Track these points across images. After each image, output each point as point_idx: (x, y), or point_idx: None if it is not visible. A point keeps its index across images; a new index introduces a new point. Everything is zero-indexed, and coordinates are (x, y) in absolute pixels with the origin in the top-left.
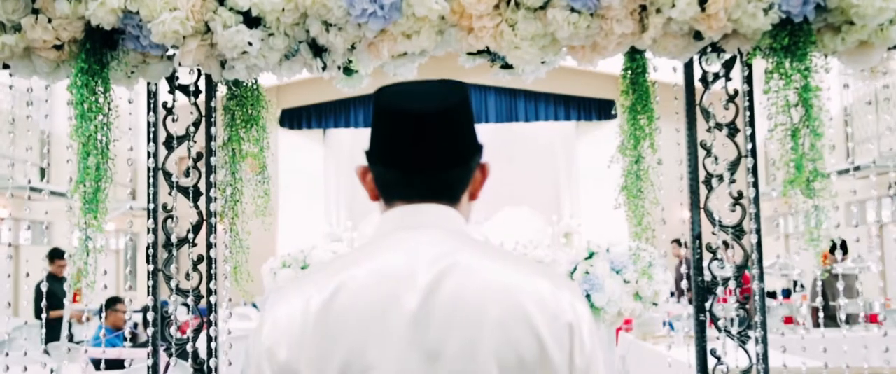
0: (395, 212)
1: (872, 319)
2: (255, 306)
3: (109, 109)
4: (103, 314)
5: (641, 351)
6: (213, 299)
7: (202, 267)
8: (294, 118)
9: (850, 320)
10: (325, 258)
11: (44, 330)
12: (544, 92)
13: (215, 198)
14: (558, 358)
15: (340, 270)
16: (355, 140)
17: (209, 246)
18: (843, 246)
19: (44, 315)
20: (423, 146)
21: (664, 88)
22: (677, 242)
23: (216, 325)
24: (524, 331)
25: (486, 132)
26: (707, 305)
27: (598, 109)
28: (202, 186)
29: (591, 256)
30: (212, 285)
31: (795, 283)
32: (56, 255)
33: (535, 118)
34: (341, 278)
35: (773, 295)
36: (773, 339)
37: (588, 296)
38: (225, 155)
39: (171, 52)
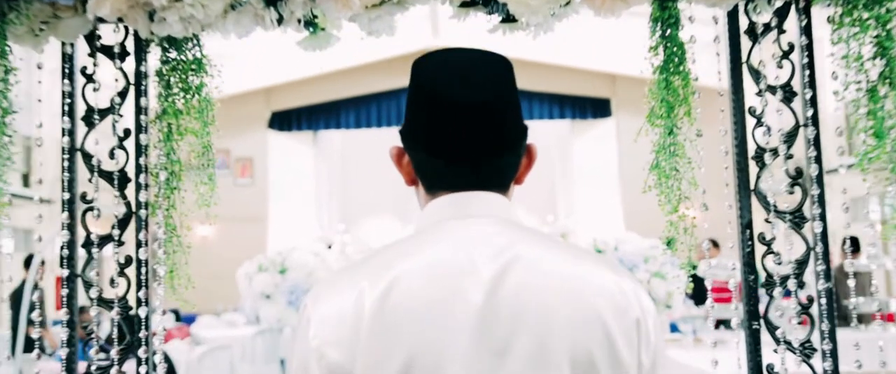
0: (442, 201)
1: (889, 318)
2: (178, 318)
3: (7, 73)
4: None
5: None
6: (142, 311)
7: (131, 271)
8: (284, 120)
9: (863, 319)
10: (305, 262)
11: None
12: (538, 91)
13: (147, 186)
14: (627, 358)
15: (392, 262)
16: (346, 142)
17: (139, 245)
18: (854, 242)
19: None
20: (470, 136)
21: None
22: (714, 243)
23: (148, 344)
24: (595, 329)
25: None
26: (761, 310)
27: (594, 108)
28: (130, 170)
29: (598, 253)
30: (141, 294)
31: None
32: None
33: (529, 117)
34: (395, 271)
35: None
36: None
37: None
38: (159, 132)
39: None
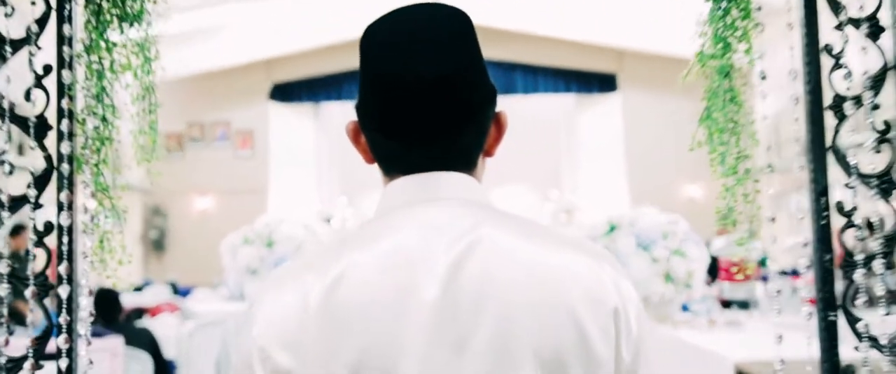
0: (400, 183)
1: None
2: (175, 291)
3: None
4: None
5: (662, 337)
6: (63, 290)
7: (51, 241)
8: (285, 92)
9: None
10: (294, 234)
11: None
12: (544, 65)
13: (72, 135)
14: (603, 352)
15: (342, 254)
16: (348, 115)
17: (61, 208)
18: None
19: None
20: (426, 115)
21: None
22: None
23: (71, 333)
24: (564, 321)
25: None
26: (838, 296)
27: (600, 83)
28: (51, 115)
29: (612, 230)
30: (63, 268)
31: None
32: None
33: (534, 90)
34: (344, 264)
35: (789, 275)
36: (789, 320)
37: None
38: (87, 70)
39: None
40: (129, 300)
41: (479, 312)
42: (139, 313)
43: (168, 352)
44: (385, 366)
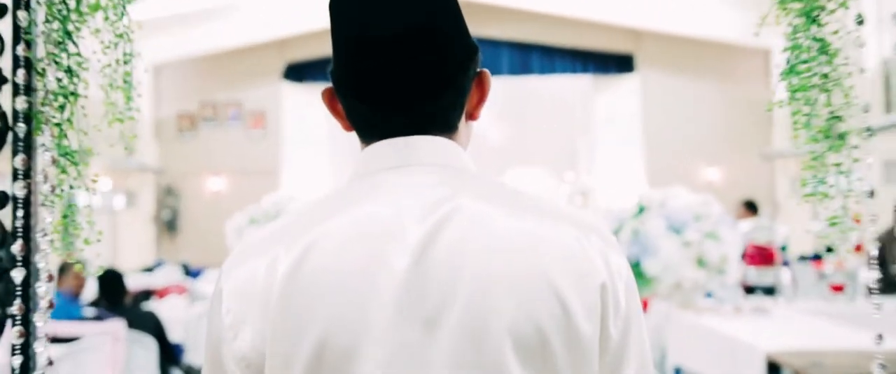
0: (376, 148)
1: None
2: (187, 272)
3: None
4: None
5: (684, 325)
6: (17, 274)
7: (6, 216)
8: (298, 72)
9: None
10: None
11: None
12: (560, 45)
13: (30, 88)
14: (587, 330)
15: (312, 224)
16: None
17: (16, 177)
18: None
19: None
20: (399, 77)
21: None
22: (750, 205)
23: (26, 324)
24: (545, 296)
25: (497, 86)
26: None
27: (617, 63)
28: (6, 65)
29: (641, 211)
30: (15, 247)
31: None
32: None
33: (549, 71)
34: (313, 234)
35: (806, 258)
36: (815, 307)
37: (637, 263)
38: (48, 10)
39: None
40: (137, 282)
41: (453, 286)
42: (147, 295)
43: (175, 335)
44: (348, 344)
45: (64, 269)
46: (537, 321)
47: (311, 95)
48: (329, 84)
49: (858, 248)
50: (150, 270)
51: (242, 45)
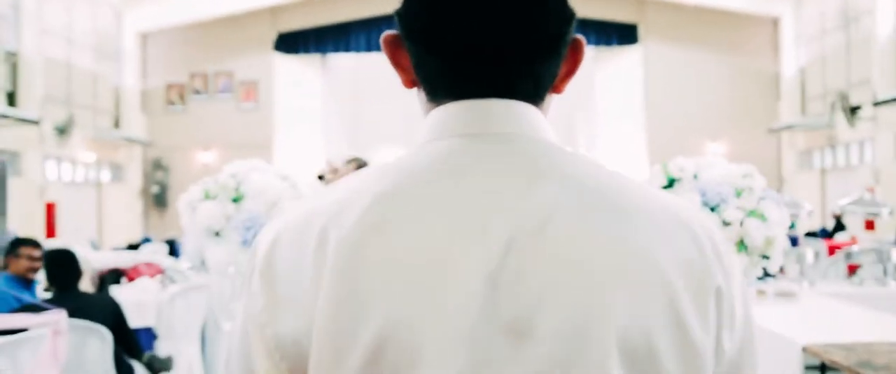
0: (448, 112)
1: None
2: (172, 251)
3: None
4: None
5: None
6: None
7: None
8: (291, 43)
9: None
10: (268, 187)
11: None
12: None
13: None
14: (702, 340)
15: (374, 199)
16: (358, 67)
17: None
18: None
19: None
20: (496, 26)
21: None
22: None
23: None
24: (657, 300)
25: None
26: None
27: (619, 34)
28: None
29: (671, 184)
30: None
31: (838, 220)
32: None
33: None
34: (376, 210)
35: (815, 235)
36: (843, 290)
37: None
38: None
39: None
40: (105, 260)
41: (548, 288)
42: (116, 276)
43: (146, 320)
44: (414, 345)
45: (14, 248)
46: (649, 330)
47: (305, 67)
48: (322, 55)
49: (869, 224)
50: (135, 247)
51: (233, 12)
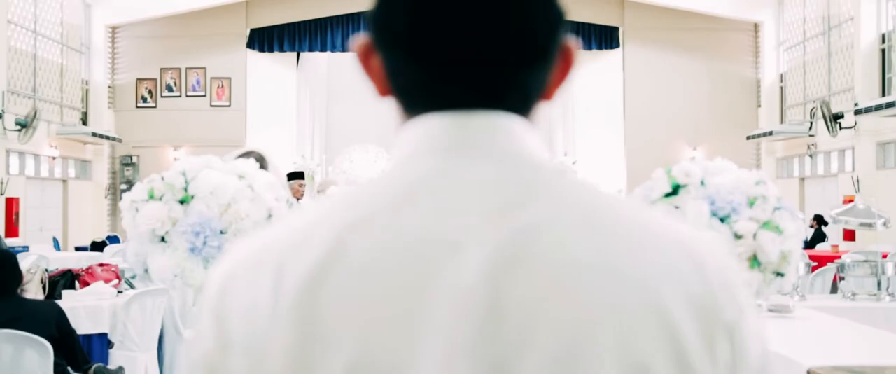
0: (428, 124)
1: None
2: None
3: None
4: None
5: None
6: None
7: None
8: (264, 39)
9: None
10: (221, 186)
11: None
12: None
13: None
14: None
15: (335, 226)
16: (332, 65)
17: None
18: None
19: None
20: (475, 28)
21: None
22: None
23: None
24: (658, 336)
25: None
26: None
27: (599, 37)
28: None
29: (675, 191)
30: None
31: (819, 229)
32: None
33: None
34: (337, 240)
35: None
36: (837, 306)
37: None
38: None
39: None
40: (60, 260)
41: (532, 322)
42: (71, 278)
43: (100, 326)
44: None
45: None
46: (646, 362)
47: (279, 64)
48: (296, 53)
49: (849, 234)
50: (99, 246)
51: (205, 7)
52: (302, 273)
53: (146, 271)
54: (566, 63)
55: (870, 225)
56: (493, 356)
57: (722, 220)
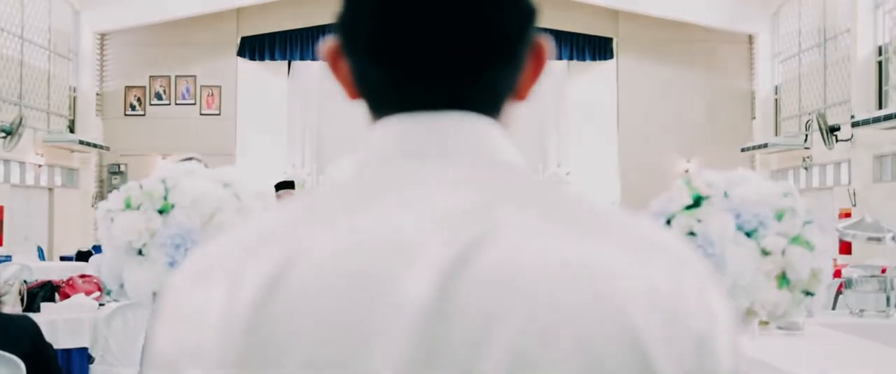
0: (392, 127)
1: None
2: None
3: None
4: None
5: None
6: None
7: None
8: (256, 48)
9: None
10: (204, 195)
11: None
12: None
13: None
14: None
15: (291, 233)
16: (324, 74)
17: None
18: None
19: None
20: (444, 30)
21: None
22: None
23: None
24: (619, 346)
25: None
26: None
27: (593, 48)
28: None
29: (698, 202)
30: None
31: None
32: None
33: None
34: (293, 246)
35: None
36: (846, 322)
37: None
38: None
39: None
40: (44, 270)
41: (489, 331)
42: (50, 290)
43: (81, 341)
44: None
45: None
46: None
47: (270, 73)
48: (288, 61)
49: (845, 247)
50: (85, 256)
51: (195, 14)
52: (256, 283)
53: (122, 286)
54: (538, 61)
55: (878, 239)
56: (448, 364)
57: (748, 234)
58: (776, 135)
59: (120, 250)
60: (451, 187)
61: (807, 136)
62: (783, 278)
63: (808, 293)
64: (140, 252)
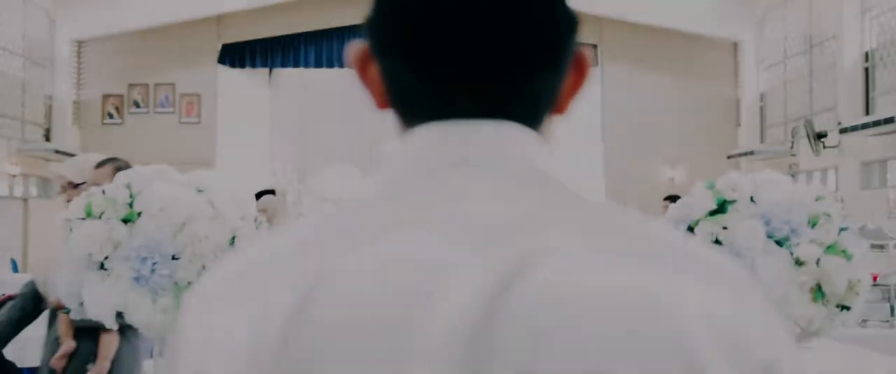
0: (425, 136)
1: None
2: None
3: None
4: None
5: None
6: None
7: None
8: (236, 55)
9: None
10: (175, 202)
11: None
12: None
13: None
14: None
15: (319, 253)
16: (306, 82)
17: None
18: None
19: None
20: (479, 29)
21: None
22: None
23: None
24: (675, 370)
25: None
26: None
27: None
28: None
29: (723, 207)
30: None
31: None
32: None
33: None
34: (321, 270)
35: None
36: (849, 332)
37: None
38: None
39: None
40: (18, 282)
41: (539, 356)
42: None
43: (32, 358)
44: None
45: None
46: None
47: (251, 81)
48: (269, 69)
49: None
50: None
51: (175, 21)
52: (285, 304)
53: (82, 304)
54: (579, 73)
55: (881, 247)
56: None
57: (779, 243)
58: (762, 142)
59: (79, 263)
60: (493, 201)
61: (793, 143)
62: (818, 291)
63: (844, 308)
64: (102, 266)
